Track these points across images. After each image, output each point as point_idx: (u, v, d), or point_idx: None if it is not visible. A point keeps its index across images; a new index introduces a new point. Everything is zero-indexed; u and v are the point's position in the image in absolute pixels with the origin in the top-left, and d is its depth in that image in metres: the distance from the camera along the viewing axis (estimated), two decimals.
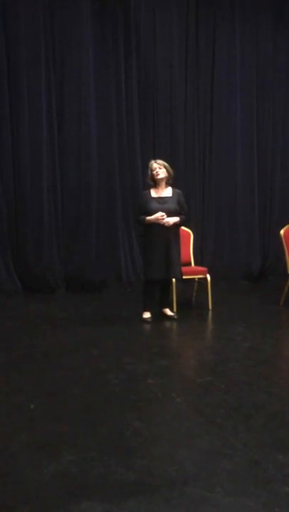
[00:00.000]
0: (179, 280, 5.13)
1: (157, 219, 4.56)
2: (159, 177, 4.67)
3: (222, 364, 3.52)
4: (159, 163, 4.70)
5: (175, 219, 4.64)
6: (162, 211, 4.58)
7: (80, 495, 1.92)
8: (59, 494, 1.93)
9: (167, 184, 4.76)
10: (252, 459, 2.18)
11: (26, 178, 6.22)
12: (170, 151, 6.93)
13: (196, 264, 5.76)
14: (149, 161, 4.83)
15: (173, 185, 4.81)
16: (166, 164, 4.73)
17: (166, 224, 4.59)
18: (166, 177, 4.71)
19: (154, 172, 4.68)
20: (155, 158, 4.98)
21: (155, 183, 4.74)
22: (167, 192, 4.75)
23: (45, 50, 6.20)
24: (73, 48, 6.32)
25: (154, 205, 4.64)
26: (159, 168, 4.67)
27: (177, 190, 4.83)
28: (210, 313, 5.21)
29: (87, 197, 6.52)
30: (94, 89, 6.45)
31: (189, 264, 5.63)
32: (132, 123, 6.73)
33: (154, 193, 4.74)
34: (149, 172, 4.74)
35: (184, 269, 5.35)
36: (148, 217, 4.59)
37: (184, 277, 5.23)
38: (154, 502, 1.88)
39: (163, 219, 4.57)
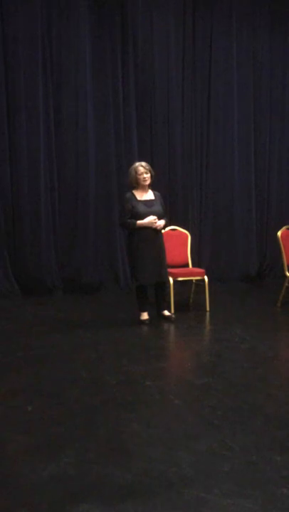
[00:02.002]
0: (177, 282, 5.13)
1: (151, 222, 4.56)
2: (147, 183, 4.65)
3: (220, 366, 3.52)
4: (145, 168, 4.63)
5: (164, 222, 4.68)
6: (152, 214, 4.58)
7: (78, 497, 1.92)
8: (57, 496, 1.92)
9: (149, 187, 4.74)
10: (250, 460, 2.18)
11: (24, 180, 6.22)
12: (167, 153, 6.93)
13: (193, 265, 5.76)
14: (135, 163, 4.74)
15: (152, 187, 4.81)
16: (150, 168, 4.69)
17: (158, 227, 4.61)
18: (151, 181, 4.70)
19: (141, 177, 4.60)
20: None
21: (137, 185, 4.68)
22: (150, 195, 4.73)
23: (43, 53, 6.20)
24: (70, 52, 6.32)
25: (143, 208, 4.60)
26: (146, 173, 4.62)
27: (157, 193, 4.81)
28: (207, 314, 5.21)
29: (85, 199, 6.52)
30: (91, 93, 6.45)
31: (187, 265, 5.64)
32: (130, 126, 6.73)
33: (138, 196, 4.67)
34: (133, 174, 4.63)
35: (182, 270, 5.38)
36: (140, 221, 4.56)
37: (181, 279, 5.26)
38: (152, 504, 1.88)
39: (156, 222, 4.58)
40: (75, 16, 6.28)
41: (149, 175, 4.64)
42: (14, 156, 6.20)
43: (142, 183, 4.63)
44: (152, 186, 4.81)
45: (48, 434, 2.45)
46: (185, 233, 5.81)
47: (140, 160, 4.90)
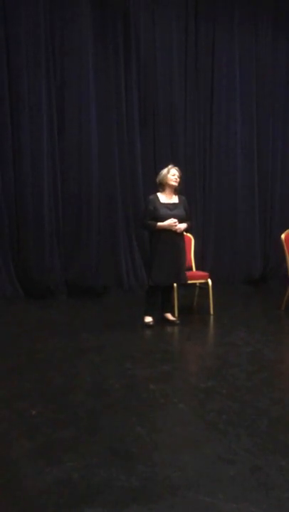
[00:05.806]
0: (181, 285, 5.13)
1: (170, 225, 4.60)
2: (175, 184, 4.70)
3: (224, 369, 3.51)
4: (178, 172, 4.72)
5: (185, 225, 4.71)
6: (173, 217, 4.62)
7: (82, 501, 1.91)
8: (60, 501, 1.92)
9: (176, 192, 4.79)
10: (254, 464, 2.17)
11: (27, 183, 6.23)
12: (171, 156, 6.90)
13: (197, 269, 5.75)
14: (168, 165, 4.80)
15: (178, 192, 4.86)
16: (181, 175, 4.79)
17: (178, 230, 4.64)
18: (178, 187, 4.77)
19: (173, 177, 4.68)
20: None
21: (165, 186, 4.72)
22: (175, 199, 4.79)
23: (46, 56, 6.21)
24: (74, 55, 6.34)
25: (165, 211, 4.65)
26: (178, 177, 4.71)
27: (182, 197, 4.87)
28: (211, 318, 5.20)
29: (88, 202, 6.52)
30: (94, 96, 6.46)
31: (190, 269, 5.62)
32: (133, 130, 6.74)
33: (163, 199, 4.73)
34: (165, 172, 4.70)
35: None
36: (160, 223, 4.61)
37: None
38: (156, 508, 1.87)
39: (175, 225, 4.61)
40: (78, 19, 6.29)
41: (179, 180, 4.73)
42: (17, 160, 6.21)
43: (171, 182, 4.68)
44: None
45: (52, 438, 2.44)
46: (188, 236, 5.80)
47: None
